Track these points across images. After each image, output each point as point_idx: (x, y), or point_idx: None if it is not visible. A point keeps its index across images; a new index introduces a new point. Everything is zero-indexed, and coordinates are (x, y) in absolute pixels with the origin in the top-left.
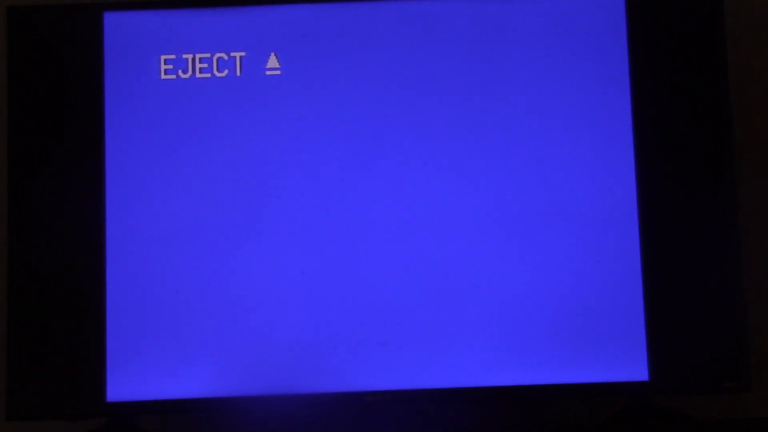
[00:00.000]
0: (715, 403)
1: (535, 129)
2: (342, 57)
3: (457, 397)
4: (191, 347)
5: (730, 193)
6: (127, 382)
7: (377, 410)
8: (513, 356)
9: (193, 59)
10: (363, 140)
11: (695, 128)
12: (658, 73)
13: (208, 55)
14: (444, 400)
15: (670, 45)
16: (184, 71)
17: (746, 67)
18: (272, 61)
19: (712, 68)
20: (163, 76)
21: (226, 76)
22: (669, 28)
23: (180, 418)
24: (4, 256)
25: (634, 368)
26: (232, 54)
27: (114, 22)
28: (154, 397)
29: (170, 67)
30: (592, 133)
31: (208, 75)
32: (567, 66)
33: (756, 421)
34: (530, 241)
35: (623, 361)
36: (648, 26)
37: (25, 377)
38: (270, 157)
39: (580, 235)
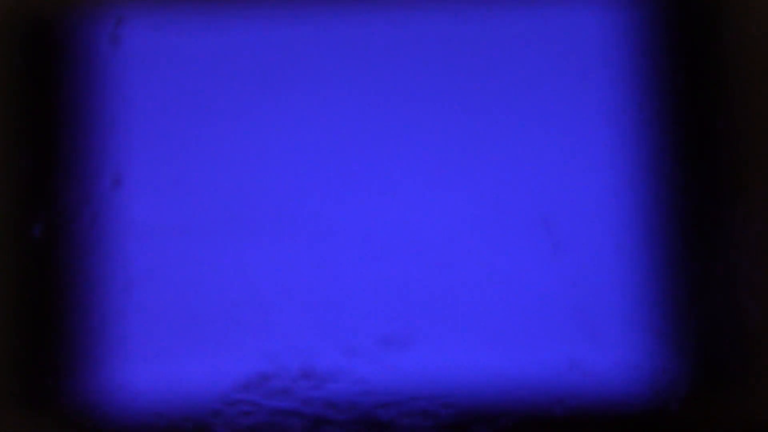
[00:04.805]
0: (715, 403)
1: (538, 131)
2: (349, 65)
3: (457, 398)
4: (194, 347)
5: (731, 192)
6: (128, 380)
7: (378, 410)
8: (513, 356)
9: (199, 61)
10: (368, 143)
11: (697, 129)
12: (659, 76)
13: (215, 57)
14: (445, 400)
15: (671, 47)
16: (191, 73)
17: (748, 70)
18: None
19: (714, 71)
20: (168, 78)
21: (236, 78)
22: (670, 30)
23: (182, 408)
24: (10, 248)
25: (634, 368)
26: (242, 55)
27: (122, 26)
28: (156, 396)
29: (175, 68)
30: (594, 134)
31: (215, 77)
32: (570, 73)
33: (756, 422)
34: (530, 242)
35: (623, 361)
36: (651, 32)
37: (26, 373)
38: (275, 159)
39: (580, 237)
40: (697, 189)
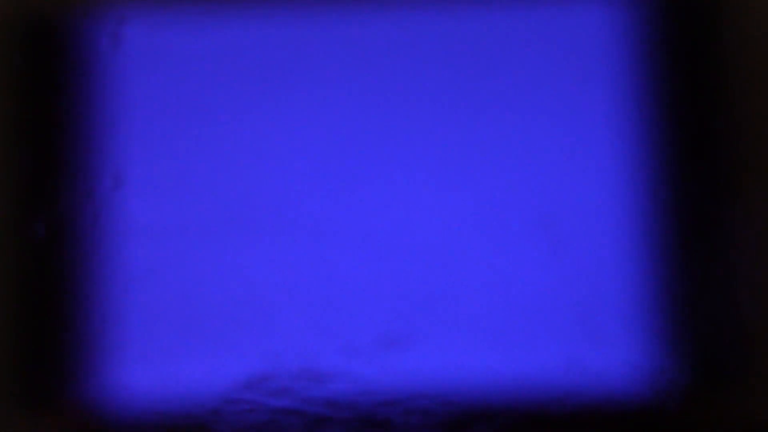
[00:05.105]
0: (715, 403)
1: (538, 131)
2: (349, 65)
3: (457, 398)
4: (194, 347)
5: (731, 192)
6: (128, 380)
7: (378, 410)
8: (512, 356)
9: (199, 61)
10: (368, 143)
11: (697, 129)
12: (659, 75)
13: (215, 57)
14: (445, 400)
15: (671, 47)
16: (191, 73)
17: (748, 70)
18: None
19: (714, 71)
20: (168, 78)
21: (236, 78)
22: (670, 30)
23: (183, 414)
24: (10, 248)
25: (634, 368)
26: (242, 55)
27: (123, 26)
28: (156, 396)
29: (175, 68)
30: (594, 134)
31: (215, 77)
32: (570, 72)
33: (756, 422)
34: (530, 242)
35: (623, 361)
36: (651, 32)
37: (27, 371)
38: (275, 158)
39: (580, 237)
40: (697, 189)
